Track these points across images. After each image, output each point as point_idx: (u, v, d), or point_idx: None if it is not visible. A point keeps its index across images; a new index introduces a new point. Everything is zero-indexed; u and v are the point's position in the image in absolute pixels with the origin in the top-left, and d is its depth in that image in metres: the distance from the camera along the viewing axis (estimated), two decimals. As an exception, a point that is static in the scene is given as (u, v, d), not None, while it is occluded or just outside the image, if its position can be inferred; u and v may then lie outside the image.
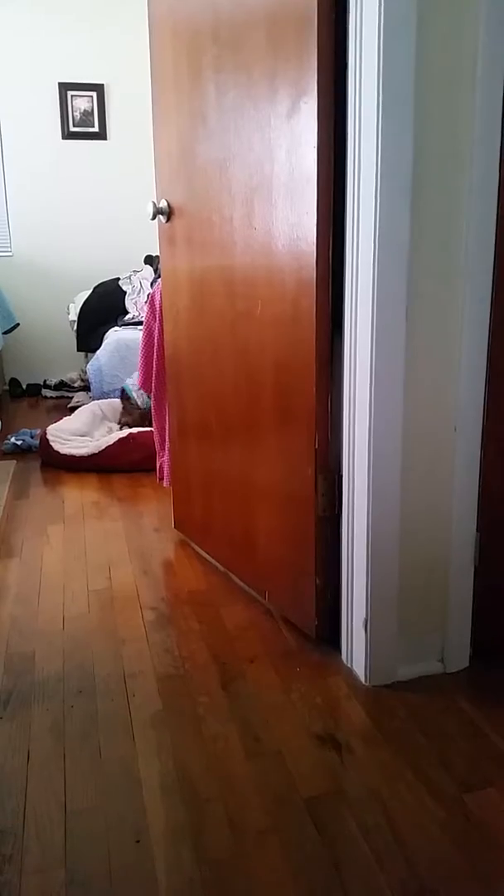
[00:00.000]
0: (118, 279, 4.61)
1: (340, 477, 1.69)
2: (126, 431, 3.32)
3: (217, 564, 2.27)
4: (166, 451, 2.64)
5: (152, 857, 1.21)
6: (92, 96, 5.08)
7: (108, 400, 3.87)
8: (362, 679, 1.67)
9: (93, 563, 2.33)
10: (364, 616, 1.64)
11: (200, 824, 1.28)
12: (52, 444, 3.36)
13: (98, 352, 4.07)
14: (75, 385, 5.00)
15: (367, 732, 1.50)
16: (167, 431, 2.56)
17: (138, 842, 1.25)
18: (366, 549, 1.61)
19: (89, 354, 4.55)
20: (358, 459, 1.60)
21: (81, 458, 3.27)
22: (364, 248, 1.49)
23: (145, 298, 4.31)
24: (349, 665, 1.72)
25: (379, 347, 1.50)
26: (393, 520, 1.60)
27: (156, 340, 2.61)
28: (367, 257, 1.48)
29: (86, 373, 4.41)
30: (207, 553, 2.33)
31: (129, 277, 4.57)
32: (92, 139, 5.14)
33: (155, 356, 2.62)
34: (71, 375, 5.12)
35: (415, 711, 1.57)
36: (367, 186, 1.45)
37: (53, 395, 4.97)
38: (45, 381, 5.18)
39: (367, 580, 1.61)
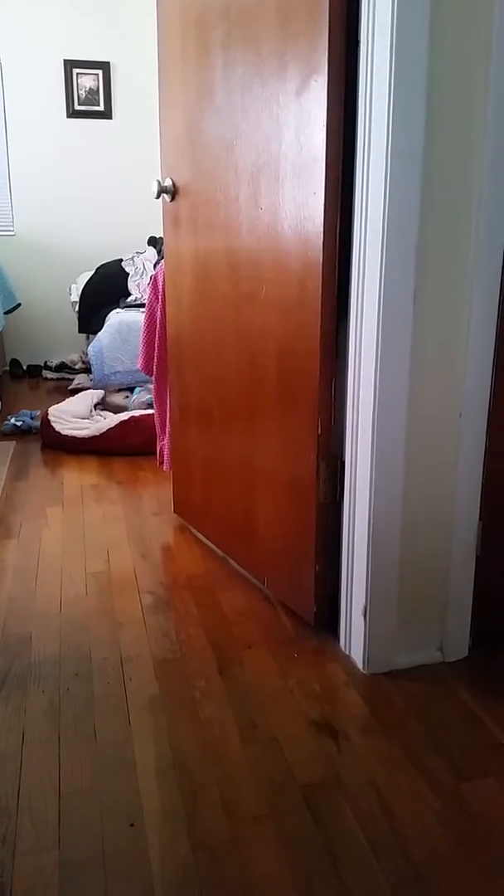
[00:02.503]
0: (121, 260, 4.57)
1: (343, 463, 1.67)
2: (127, 414, 3.30)
3: (216, 549, 2.26)
4: (167, 435, 2.62)
5: (146, 841, 1.20)
6: (98, 74, 5.02)
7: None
8: (360, 667, 1.66)
9: (91, 546, 2.32)
10: (363, 604, 1.62)
11: (195, 809, 1.27)
12: (53, 424, 3.34)
13: (99, 334, 4.03)
14: (76, 367, 4.97)
15: (365, 720, 1.49)
16: (168, 415, 2.54)
17: (132, 825, 1.24)
18: (367, 536, 1.59)
19: (90, 336, 4.52)
20: (361, 445, 1.58)
21: (82, 440, 3.26)
22: (372, 229, 1.46)
23: (148, 280, 4.27)
24: (347, 653, 1.71)
25: (385, 331, 1.48)
26: (395, 507, 1.58)
27: (158, 323, 2.58)
28: (375, 239, 1.46)
29: (87, 355, 4.38)
30: (207, 538, 2.32)
31: (132, 259, 4.53)
32: (97, 118, 5.09)
33: (157, 338, 2.60)
34: (72, 357, 5.10)
35: (413, 700, 1.55)
36: (377, 166, 1.42)
37: (54, 377, 4.95)
38: (45, 362, 5.15)
39: (367, 568, 1.60)
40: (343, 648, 1.72)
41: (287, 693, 1.58)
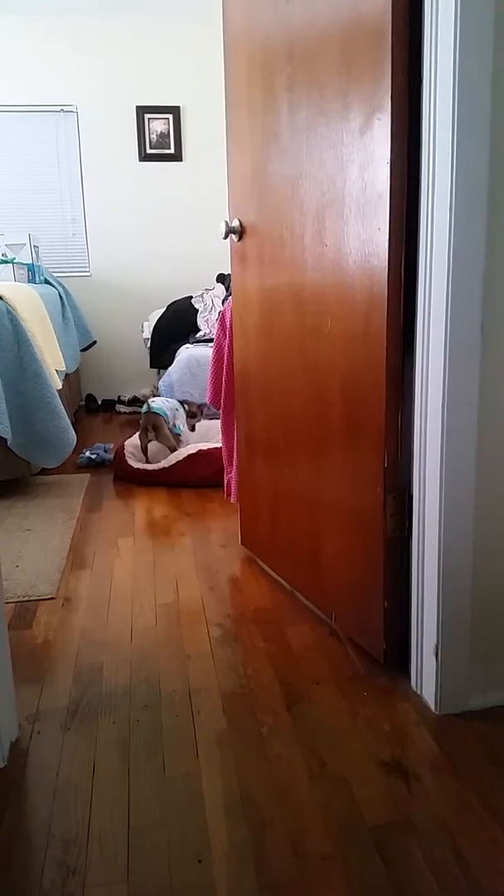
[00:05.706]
0: (191, 297, 4.68)
1: (411, 497, 1.66)
2: (195, 447, 3.36)
3: (283, 582, 2.26)
4: (234, 468, 2.65)
5: (213, 878, 1.20)
6: (168, 119, 5.20)
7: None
8: (432, 707, 1.62)
9: (161, 577, 2.35)
10: (435, 642, 1.59)
11: (263, 847, 1.26)
12: (126, 458, 3.42)
13: (170, 368, 4.13)
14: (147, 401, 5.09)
15: (437, 762, 1.45)
16: (235, 447, 2.56)
17: (200, 861, 1.24)
18: (437, 571, 1.56)
19: (161, 371, 4.63)
20: (429, 479, 1.56)
21: (152, 473, 3.32)
22: (437, 264, 1.46)
23: (216, 316, 4.35)
24: (418, 692, 1.67)
25: (452, 364, 1.47)
26: (466, 542, 1.55)
27: (225, 357, 2.63)
28: (440, 273, 1.46)
29: (158, 389, 4.48)
30: (273, 570, 2.32)
31: (202, 295, 4.63)
32: (168, 161, 5.26)
33: (224, 372, 2.64)
34: (144, 391, 5.22)
35: (487, 742, 1.51)
36: (441, 202, 1.43)
37: (127, 411, 5.08)
38: (119, 396, 5.29)
39: (438, 604, 1.57)
40: (414, 687, 1.69)
41: (356, 732, 1.56)
